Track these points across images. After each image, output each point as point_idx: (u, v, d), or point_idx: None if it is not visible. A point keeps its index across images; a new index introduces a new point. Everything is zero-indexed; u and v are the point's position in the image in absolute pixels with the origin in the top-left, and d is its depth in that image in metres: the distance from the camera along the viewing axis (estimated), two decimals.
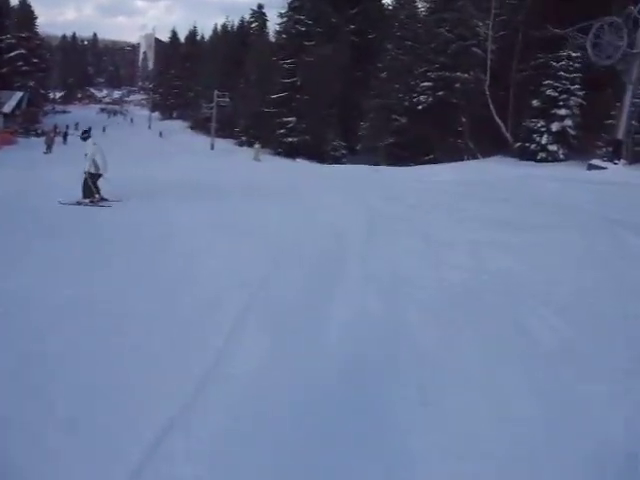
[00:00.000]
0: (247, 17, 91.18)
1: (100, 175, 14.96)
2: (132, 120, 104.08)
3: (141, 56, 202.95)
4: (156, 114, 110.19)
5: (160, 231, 11.22)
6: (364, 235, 11.08)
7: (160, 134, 75.70)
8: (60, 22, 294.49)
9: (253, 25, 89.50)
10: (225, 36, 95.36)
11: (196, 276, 7.86)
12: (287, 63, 57.76)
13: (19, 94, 77.38)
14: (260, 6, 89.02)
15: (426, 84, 43.92)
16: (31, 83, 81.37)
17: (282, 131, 56.81)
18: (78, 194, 14.73)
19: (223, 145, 63.69)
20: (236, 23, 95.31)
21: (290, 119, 56.43)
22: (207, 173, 25.49)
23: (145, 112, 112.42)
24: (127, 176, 18.51)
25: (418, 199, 16.67)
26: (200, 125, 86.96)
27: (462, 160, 38.34)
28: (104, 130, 79.53)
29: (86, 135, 15.45)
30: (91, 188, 14.70)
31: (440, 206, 15.00)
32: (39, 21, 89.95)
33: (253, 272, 8.05)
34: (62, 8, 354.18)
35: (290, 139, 56.02)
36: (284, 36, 62.89)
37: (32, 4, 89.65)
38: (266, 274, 8.02)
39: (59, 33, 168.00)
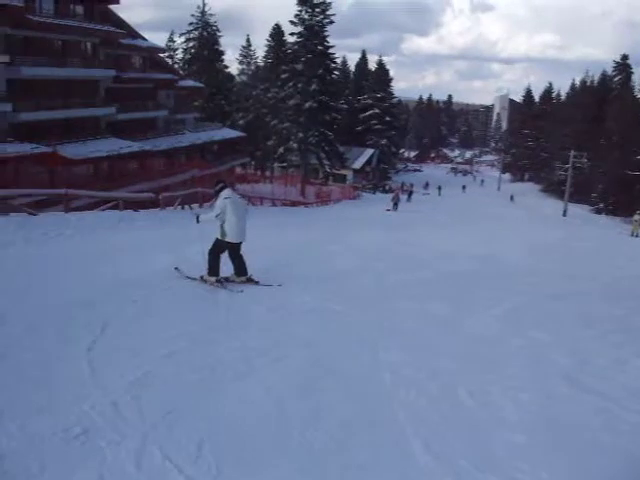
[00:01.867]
0: (609, 71, 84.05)
1: (231, 244, 10.12)
2: (482, 182, 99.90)
3: (494, 117, 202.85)
4: (506, 176, 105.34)
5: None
6: None
7: (511, 198, 69.73)
8: (419, 87, 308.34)
9: (615, 79, 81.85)
10: (583, 92, 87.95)
11: None
12: None
13: (370, 151, 79.35)
14: (625, 57, 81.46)
15: None
16: (383, 141, 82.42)
17: None
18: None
19: (577, 211, 56.50)
20: (596, 78, 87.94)
21: None
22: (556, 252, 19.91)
23: (495, 173, 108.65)
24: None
25: None
26: (552, 188, 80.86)
27: None
28: (464, 189, 77.75)
29: (220, 186, 10.36)
30: (212, 262, 10.16)
31: None
32: (400, 86, 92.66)
33: None
34: (423, 74, 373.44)
35: None
36: None
37: (390, 67, 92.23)
38: None
39: (417, 96, 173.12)
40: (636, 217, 38.06)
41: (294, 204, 44.40)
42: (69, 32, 37.80)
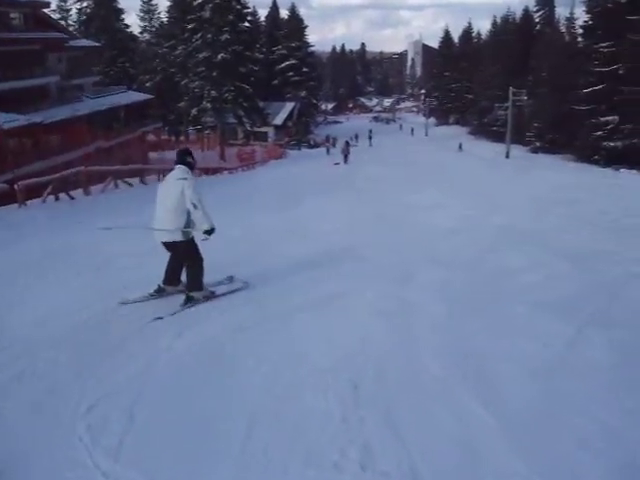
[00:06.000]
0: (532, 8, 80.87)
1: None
2: (413, 130, 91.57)
3: (409, 63, 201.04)
4: (431, 120, 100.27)
5: None
6: None
7: (460, 147, 59.28)
8: (330, 39, 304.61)
9: (538, 14, 79.26)
10: (506, 29, 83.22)
11: None
12: (603, 47, 45.58)
13: (290, 105, 74.90)
14: None
15: None
16: (302, 94, 77.70)
17: (598, 134, 44.97)
18: None
19: (515, 152, 52.54)
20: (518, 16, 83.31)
21: (609, 118, 44.44)
22: None
23: (417, 119, 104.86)
24: None
25: None
26: (481, 130, 77.47)
27: None
28: (370, 139, 69.98)
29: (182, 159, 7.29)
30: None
31: None
32: (312, 39, 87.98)
33: None
34: (332, 25, 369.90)
35: (612, 144, 43.96)
36: (588, 16, 49.75)
37: (303, 17, 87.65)
38: None
39: (329, 49, 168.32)
40: None
41: (216, 171, 39.38)
42: None
